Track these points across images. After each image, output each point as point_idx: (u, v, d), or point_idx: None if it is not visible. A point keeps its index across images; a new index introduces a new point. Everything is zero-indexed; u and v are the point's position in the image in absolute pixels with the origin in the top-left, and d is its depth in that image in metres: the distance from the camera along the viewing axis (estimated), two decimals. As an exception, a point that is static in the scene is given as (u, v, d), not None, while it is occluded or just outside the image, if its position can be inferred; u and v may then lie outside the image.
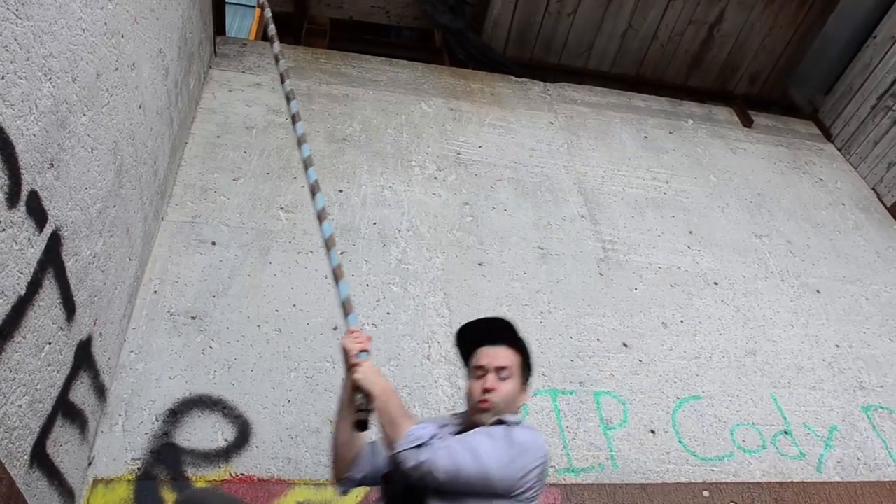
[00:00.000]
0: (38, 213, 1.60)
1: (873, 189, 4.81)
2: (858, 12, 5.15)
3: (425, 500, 1.53)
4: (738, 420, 3.01)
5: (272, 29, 2.57)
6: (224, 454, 2.40)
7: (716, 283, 3.66)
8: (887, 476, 2.95)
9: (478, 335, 1.77)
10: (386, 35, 6.11)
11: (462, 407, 1.80)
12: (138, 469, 2.29)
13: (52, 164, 1.65)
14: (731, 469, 2.82)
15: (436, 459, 1.48)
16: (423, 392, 2.78)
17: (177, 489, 2.27)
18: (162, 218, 3.11)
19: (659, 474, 2.73)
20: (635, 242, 3.77)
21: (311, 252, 3.19)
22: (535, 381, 2.92)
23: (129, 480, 2.26)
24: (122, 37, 2.17)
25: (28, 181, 1.53)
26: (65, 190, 1.75)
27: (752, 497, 2.73)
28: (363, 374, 1.65)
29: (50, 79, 1.60)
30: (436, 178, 3.84)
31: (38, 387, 1.71)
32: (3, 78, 1.38)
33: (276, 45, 2.53)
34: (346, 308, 1.85)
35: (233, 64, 4.24)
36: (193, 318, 2.78)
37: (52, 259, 1.72)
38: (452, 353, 2.94)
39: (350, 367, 1.70)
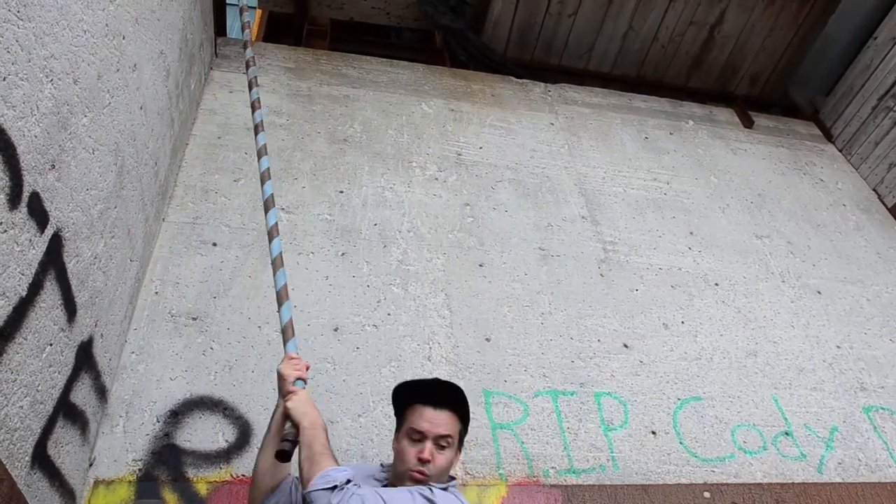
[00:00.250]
0: (39, 214, 1.60)
1: (874, 190, 4.81)
2: (859, 13, 5.15)
3: None
4: (739, 421, 3.01)
5: (247, 34, 2.57)
6: (225, 455, 2.40)
7: (716, 284, 3.66)
8: (888, 477, 2.95)
9: (421, 393, 1.67)
10: (386, 36, 6.11)
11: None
12: (139, 470, 2.29)
13: (53, 166, 1.65)
14: (732, 470, 2.81)
15: None
16: (423, 393, 2.77)
17: (178, 490, 2.27)
18: (163, 219, 3.11)
19: (660, 475, 2.73)
20: (636, 243, 3.77)
21: (312, 253, 3.19)
22: (537, 381, 2.92)
23: (129, 481, 2.26)
24: (124, 38, 2.18)
25: (29, 182, 1.53)
26: (66, 191, 1.75)
27: (753, 498, 2.73)
28: (294, 405, 1.61)
29: (51, 80, 1.61)
30: (436, 178, 3.84)
31: (40, 388, 1.72)
32: (4, 79, 1.38)
33: (249, 51, 2.53)
34: (286, 333, 1.81)
35: (234, 65, 4.24)
36: (194, 319, 2.78)
37: (53, 260, 1.72)
38: (454, 353, 2.94)
39: (285, 394, 1.66)
